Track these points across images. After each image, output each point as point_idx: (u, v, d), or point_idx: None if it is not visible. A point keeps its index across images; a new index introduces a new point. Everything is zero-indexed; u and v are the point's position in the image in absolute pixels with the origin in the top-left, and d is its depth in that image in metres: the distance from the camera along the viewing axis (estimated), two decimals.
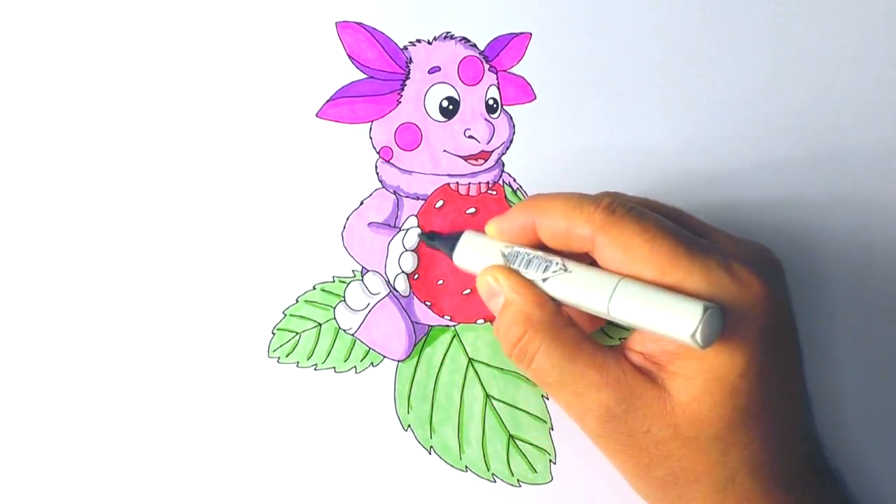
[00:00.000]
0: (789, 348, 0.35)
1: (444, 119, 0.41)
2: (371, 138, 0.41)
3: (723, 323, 0.31)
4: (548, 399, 0.40)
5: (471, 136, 0.41)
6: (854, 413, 0.41)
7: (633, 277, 0.33)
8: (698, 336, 0.31)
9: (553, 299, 0.35)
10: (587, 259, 0.35)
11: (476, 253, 0.38)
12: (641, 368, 0.34)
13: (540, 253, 0.36)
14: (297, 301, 0.40)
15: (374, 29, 0.41)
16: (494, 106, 0.41)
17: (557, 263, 0.35)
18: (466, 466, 0.40)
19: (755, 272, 0.33)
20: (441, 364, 0.41)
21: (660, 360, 0.34)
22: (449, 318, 0.41)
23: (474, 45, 0.41)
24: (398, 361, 0.40)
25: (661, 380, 0.34)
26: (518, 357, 0.35)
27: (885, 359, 0.41)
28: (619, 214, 0.34)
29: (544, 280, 0.35)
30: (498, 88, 0.41)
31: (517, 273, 0.36)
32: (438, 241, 0.40)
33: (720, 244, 0.35)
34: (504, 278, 0.36)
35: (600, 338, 0.41)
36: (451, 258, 0.38)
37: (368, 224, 0.41)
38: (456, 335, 0.41)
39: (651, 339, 0.34)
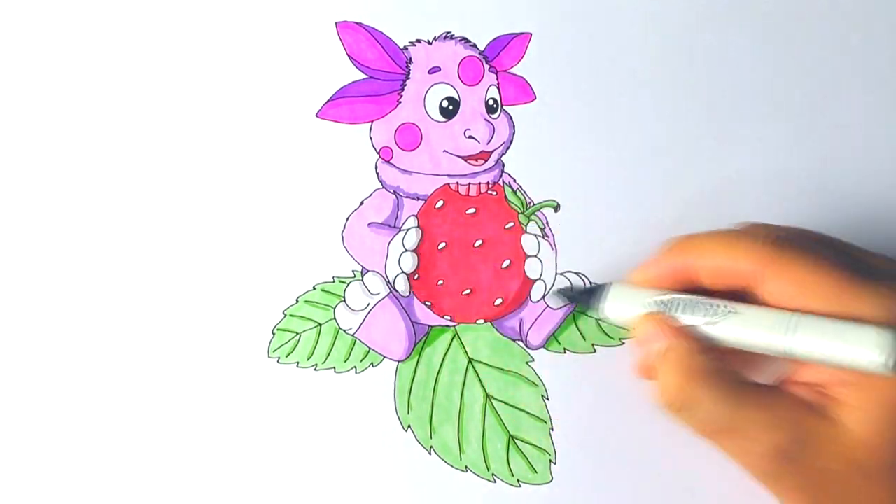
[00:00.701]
0: None
1: (444, 119, 0.41)
2: (371, 138, 0.41)
3: None
4: (548, 399, 0.41)
5: (471, 137, 0.41)
6: None
7: (805, 311, 0.33)
8: (891, 363, 0.31)
9: (714, 343, 0.35)
10: (742, 299, 0.35)
11: (627, 304, 0.37)
12: (809, 403, 0.33)
13: (699, 298, 0.35)
14: (297, 301, 0.40)
15: (374, 29, 0.41)
16: (494, 106, 0.41)
17: (724, 306, 0.35)
18: (466, 466, 0.40)
19: None
20: (441, 364, 0.41)
21: (830, 391, 0.33)
22: (449, 318, 0.41)
23: (474, 46, 0.41)
24: (398, 361, 0.40)
25: (834, 413, 0.33)
26: (679, 407, 0.35)
27: None
28: (785, 247, 0.34)
29: (714, 324, 0.34)
30: (498, 88, 0.41)
31: (677, 320, 0.35)
32: (583, 295, 0.39)
33: (881, 268, 0.34)
34: (665, 325, 0.35)
35: (600, 337, 0.41)
36: (600, 311, 0.38)
37: (368, 224, 0.41)
38: (456, 335, 0.41)
39: (819, 370, 0.34)
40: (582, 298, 0.39)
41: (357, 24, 0.41)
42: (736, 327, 0.34)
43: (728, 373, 0.34)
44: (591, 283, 0.40)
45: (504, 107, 0.42)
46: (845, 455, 0.32)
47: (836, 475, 0.33)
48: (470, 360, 0.41)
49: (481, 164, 0.41)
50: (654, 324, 0.35)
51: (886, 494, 0.33)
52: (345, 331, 0.40)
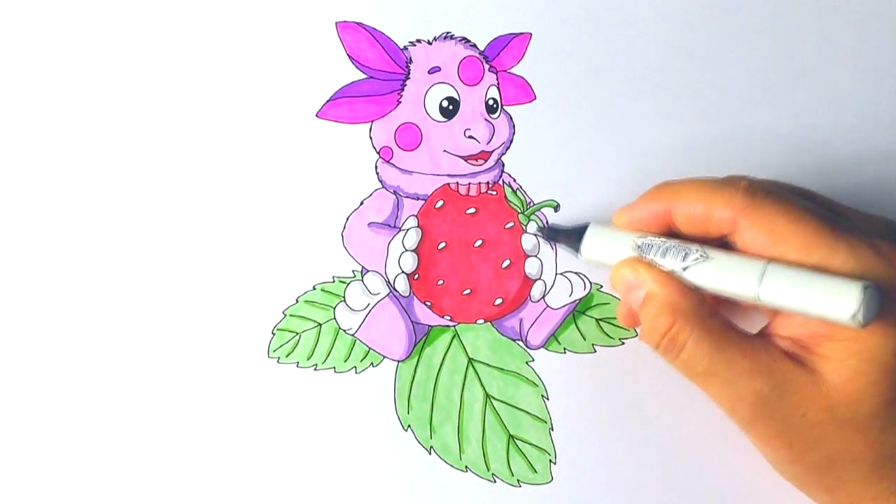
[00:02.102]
0: None
1: (444, 119, 0.41)
2: (371, 138, 0.41)
3: (880, 301, 0.31)
4: (548, 399, 0.41)
5: (471, 137, 0.41)
6: None
7: (777, 260, 0.33)
8: (860, 316, 0.31)
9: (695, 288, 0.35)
10: (720, 244, 0.35)
11: (605, 245, 0.37)
12: (789, 353, 0.34)
13: (676, 241, 0.35)
14: (297, 301, 0.40)
15: (374, 29, 0.41)
16: (494, 106, 0.41)
17: (697, 251, 0.35)
18: (466, 466, 0.40)
19: None
20: (441, 364, 0.41)
21: (808, 343, 0.34)
22: (449, 318, 0.41)
23: (474, 46, 0.41)
24: (398, 361, 0.40)
25: (812, 363, 0.33)
26: (666, 348, 0.35)
27: None
28: (761, 196, 0.34)
29: (685, 269, 0.35)
30: (498, 88, 0.41)
31: (656, 265, 0.35)
32: (561, 234, 0.39)
33: (858, 222, 0.35)
34: (645, 270, 0.35)
35: (600, 337, 0.41)
36: (578, 252, 0.38)
37: (368, 224, 0.41)
38: (456, 335, 0.41)
39: (797, 323, 0.34)
40: (560, 237, 0.39)
41: (357, 24, 0.41)
42: (708, 272, 0.34)
43: (713, 317, 0.35)
44: (571, 227, 0.39)
45: (504, 107, 0.42)
46: (822, 404, 0.33)
47: (813, 423, 0.33)
48: (470, 360, 0.41)
49: (481, 164, 0.41)
50: (633, 268, 0.36)
51: (862, 442, 0.33)
52: (345, 331, 0.40)
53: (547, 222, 0.41)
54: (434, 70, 0.41)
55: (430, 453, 0.40)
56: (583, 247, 0.38)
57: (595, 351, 0.41)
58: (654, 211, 0.36)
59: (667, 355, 0.35)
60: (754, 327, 0.37)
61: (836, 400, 0.33)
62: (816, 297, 0.32)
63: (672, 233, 0.36)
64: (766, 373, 0.33)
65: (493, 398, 0.41)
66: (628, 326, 0.39)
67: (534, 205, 0.41)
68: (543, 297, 0.41)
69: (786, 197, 0.34)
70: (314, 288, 0.40)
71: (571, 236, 0.38)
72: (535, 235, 0.40)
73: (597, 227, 0.38)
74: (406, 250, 0.41)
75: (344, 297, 0.41)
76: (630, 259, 0.36)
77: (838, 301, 0.31)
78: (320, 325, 0.40)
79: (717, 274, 0.34)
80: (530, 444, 0.40)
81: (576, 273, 0.41)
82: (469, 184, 0.41)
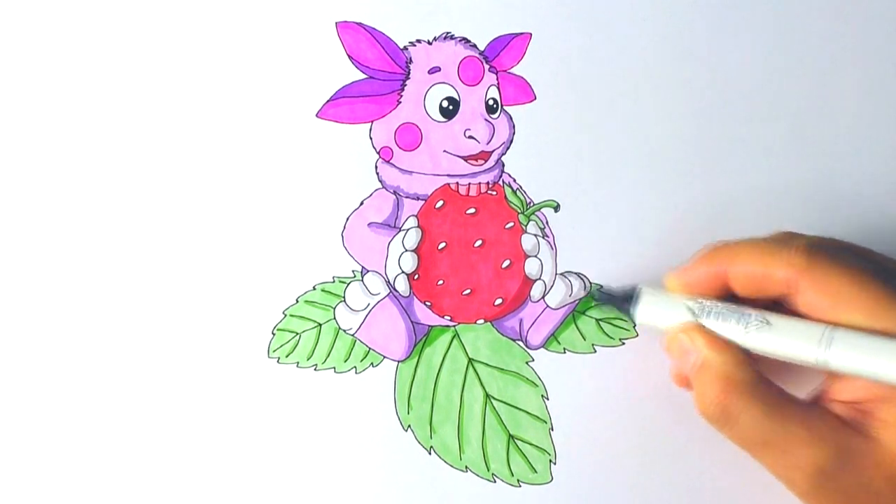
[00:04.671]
0: None
1: (444, 119, 0.41)
2: (371, 138, 0.41)
3: None
4: (548, 399, 0.41)
5: (471, 137, 0.41)
6: None
7: (841, 325, 0.33)
8: None
9: (750, 354, 0.34)
10: (775, 309, 0.35)
11: (661, 310, 0.37)
12: (846, 419, 0.33)
13: (733, 306, 0.35)
14: (297, 301, 0.40)
15: (374, 29, 0.41)
16: (494, 106, 0.41)
17: (756, 317, 0.34)
18: (466, 466, 0.40)
19: None
20: (441, 364, 0.41)
21: (868, 407, 0.33)
22: (449, 318, 0.41)
23: (474, 46, 0.41)
24: (398, 361, 0.40)
25: (871, 429, 0.33)
26: (718, 418, 0.34)
27: None
28: (821, 257, 0.33)
29: (745, 335, 0.34)
30: (498, 88, 0.41)
31: (712, 332, 0.35)
32: (615, 299, 0.38)
33: None
34: (700, 337, 0.35)
35: (600, 337, 0.41)
36: (632, 316, 0.37)
37: (368, 224, 0.41)
38: (456, 335, 0.41)
39: (856, 387, 0.33)
40: (615, 302, 0.39)
41: (357, 24, 0.41)
42: (769, 338, 0.34)
43: (767, 386, 0.34)
44: (623, 291, 0.39)
45: (504, 107, 0.42)
46: (884, 472, 0.32)
47: (875, 492, 0.32)
48: (470, 360, 0.41)
49: (481, 164, 0.41)
50: (689, 335, 0.35)
51: None
52: (345, 331, 0.40)
53: (599, 288, 0.40)
54: (434, 70, 0.41)
55: (430, 453, 0.40)
56: (638, 313, 0.37)
57: (595, 351, 0.41)
58: (710, 273, 0.36)
59: (720, 426, 0.35)
60: (805, 390, 0.36)
61: None
62: (885, 362, 0.31)
63: (726, 296, 0.36)
64: (823, 442, 0.33)
65: (493, 398, 0.41)
66: (681, 387, 0.38)
67: (534, 205, 0.41)
68: (543, 297, 0.41)
69: (846, 258, 0.33)
70: (314, 288, 0.40)
71: (624, 301, 0.38)
72: (597, 296, 0.40)
73: (650, 291, 0.37)
74: (406, 250, 0.41)
75: (344, 297, 0.41)
76: (688, 325, 0.35)
77: None
78: (320, 325, 0.40)
79: (779, 340, 0.34)
80: (530, 444, 0.40)
81: (576, 273, 0.41)
82: (469, 184, 0.41)
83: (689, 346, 0.35)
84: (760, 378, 0.34)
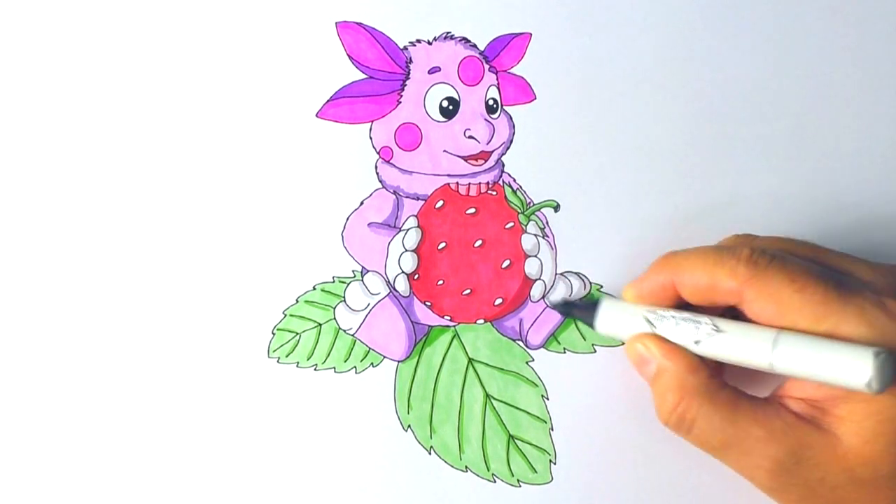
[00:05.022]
0: None
1: (444, 119, 0.41)
2: (371, 138, 0.41)
3: (894, 366, 0.31)
4: (548, 399, 0.41)
5: (471, 137, 0.41)
6: None
7: (787, 329, 0.33)
8: (874, 383, 0.31)
9: (705, 358, 0.35)
10: (730, 313, 0.35)
11: (619, 319, 0.37)
12: (804, 415, 0.34)
13: (686, 314, 0.36)
14: (297, 301, 0.40)
15: (374, 29, 0.41)
16: (494, 106, 0.41)
17: (707, 324, 0.35)
18: (466, 466, 0.40)
19: None
20: (441, 364, 0.41)
21: (823, 404, 0.33)
22: (449, 318, 0.41)
23: (474, 46, 0.41)
24: (398, 361, 0.40)
25: (828, 424, 0.33)
26: (676, 425, 0.35)
27: None
28: (763, 265, 0.34)
29: (697, 343, 0.35)
30: (498, 88, 0.41)
31: (667, 340, 0.36)
32: (576, 309, 0.39)
33: (865, 278, 0.34)
34: (655, 346, 0.35)
35: (600, 337, 0.41)
36: (593, 327, 0.38)
37: (368, 224, 0.41)
38: (456, 335, 0.41)
39: (812, 385, 0.34)
40: (575, 313, 0.39)
41: (357, 24, 0.41)
42: (718, 345, 0.35)
43: (722, 389, 0.35)
44: (583, 296, 0.40)
45: (504, 107, 0.42)
46: (841, 466, 0.33)
47: (833, 485, 0.33)
48: (470, 360, 0.41)
49: (481, 164, 0.41)
50: (645, 343, 0.36)
51: (882, 498, 0.33)
52: (345, 331, 0.40)
53: (563, 299, 0.41)
54: (434, 70, 0.41)
55: (430, 453, 0.40)
56: (597, 322, 0.38)
57: (595, 351, 0.41)
58: (661, 283, 0.36)
59: (678, 431, 0.35)
60: (768, 388, 0.37)
61: (855, 461, 0.32)
62: (830, 366, 0.32)
63: (681, 304, 0.36)
64: (781, 439, 0.33)
65: (493, 398, 0.41)
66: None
67: (534, 205, 0.41)
68: (543, 297, 0.41)
69: (791, 263, 0.34)
70: (314, 288, 0.40)
71: (586, 311, 0.38)
72: (559, 308, 0.40)
73: (610, 301, 0.38)
74: (406, 250, 0.41)
75: (344, 297, 0.41)
76: (642, 334, 0.36)
77: (852, 369, 0.31)
78: (320, 325, 0.40)
79: (729, 347, 0.34)
80: (530, 444, 0.40)
81: (576, 273, 0.41)
82: (469, 184, 0.41)
83: (645, 354, 0.36)
84: (715, 382, 0.35)
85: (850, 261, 0.36)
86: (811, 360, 0.32)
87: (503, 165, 0.41)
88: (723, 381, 0.35)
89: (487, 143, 0.41)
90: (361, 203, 0.41)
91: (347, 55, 0.41)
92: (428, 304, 0.41)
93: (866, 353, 0.31)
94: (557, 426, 0.40)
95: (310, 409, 0.40)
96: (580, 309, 0.39)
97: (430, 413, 0.40)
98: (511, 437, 0.40)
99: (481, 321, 0.41)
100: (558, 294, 0.41)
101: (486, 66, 0.41)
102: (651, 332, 0.36)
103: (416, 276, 0.41)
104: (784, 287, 0.33)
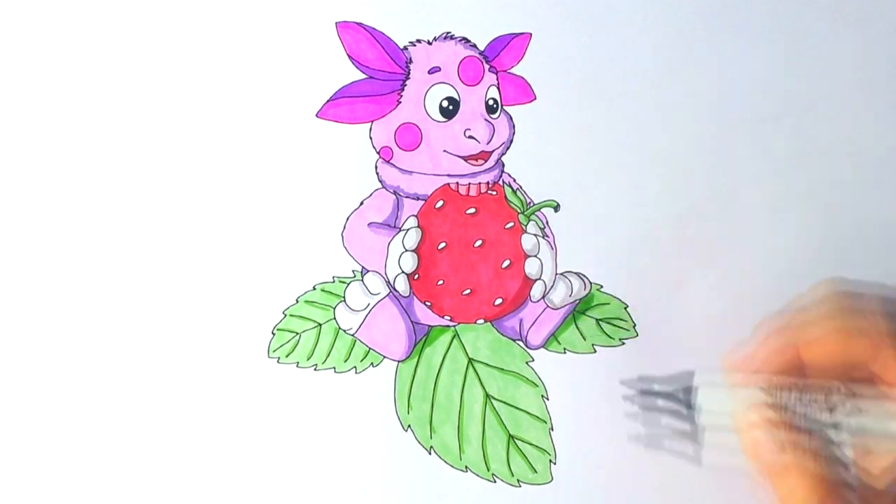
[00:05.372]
0: None
1: (444, 119, 0.41)
2: (371, 138, 0.41)
3: None
4: (548, 399, 0.40)
5: (471, 137, 0.41)
6: None
7: None
8: None
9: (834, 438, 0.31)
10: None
11: (724, 398, 0.32)
12: None
13: (815, 382, 0.31)
14: (298, 301, 0.40)
15: (374, 29, 0.41)
16: (494, 106, 0.41)
17: (845, 399, 0.30)
18: (466, 466, 0.40)
19: None
20: (441, 364, 0.41)
21: None
22: (449, 318, 0.41)
23: (474, 46, 0.41)
24: (398, 361, 0.40)
25: None
26: None
27: None
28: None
29: (835, 425, 0.30)
30: (498, 88, 0.41)
31: (791, 415, 0.31)
32: (661, 396, 0.34)
33: None
34: (784, 434, 0.31)
35: (600, 337, 0.41)
36: (692, 413, 0.33)
37: (368, 224, 0.41)
38: (456, 335, 0.41)
39: None
40: (661, 399, 0.34)
41: (357, 24, 0.41)
42: (860, 422, 0.31)
43: (848, 490, 0.31)
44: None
45: (504, 107, 0.42)
46: None
47: None
48: (470, 360, 0.41)
49: (481, 164, 0.41)
50: (770, 432, 0.31)
51: None
52: (345, 331, 0.40)
53: (653, 387, 0.36)
54: (434, 70, 0.41)
55: (430, 453, 0.40)
56: (699, 402, 0.33)
57: (595, 351, 0.41)
58: (782, 352, 0.32)
59: None
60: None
61: None
62: None
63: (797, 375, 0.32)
64: None
65: (493, 398, 0.41)
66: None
67: (534, 205, 0.41)
68: (543, 297, 0.41)
69: None
70: (314, 288, 0.40)
71: (677, 395, 0.33)
72: (641, 396, 0.34)
73: (705, 377, 0.33)
74: (406, 250, 0.41)
75: (344, 297, 0.41)
76: (765, 420, 0.31)
77: None
78: (320, 325, 0.40)
79: (873, 423, 0.30)
80: (530, 444, 0.40)
81: (576, 273, 0.41)
82: (469, 184, 0.41)
83: (770, 443, 0.31)
84: (849, 495, 0.31)
85: None
86: None
87: (503, 165, 0.41)
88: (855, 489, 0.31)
89: (487, 143, 0.41)
90: (361, 203, 0.41)
91: (347, 55, 0.41)
92: (428, 304, 0.41)
93: None
94: (557, 426, 0.40)
95: (310, 408, 0.40)
96: (666, 396, 0.33)
97: (430, 413, 0.40)
98: (511, 437, 0.40)
99: (481, 321, 0.41)
100: (558, 294, 0.41)
101: (486, 66, 0.41)
102: (772, 411, 0.31)
103: (416, 276, 0.41)
104: None
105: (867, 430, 0.30)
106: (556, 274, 0.41)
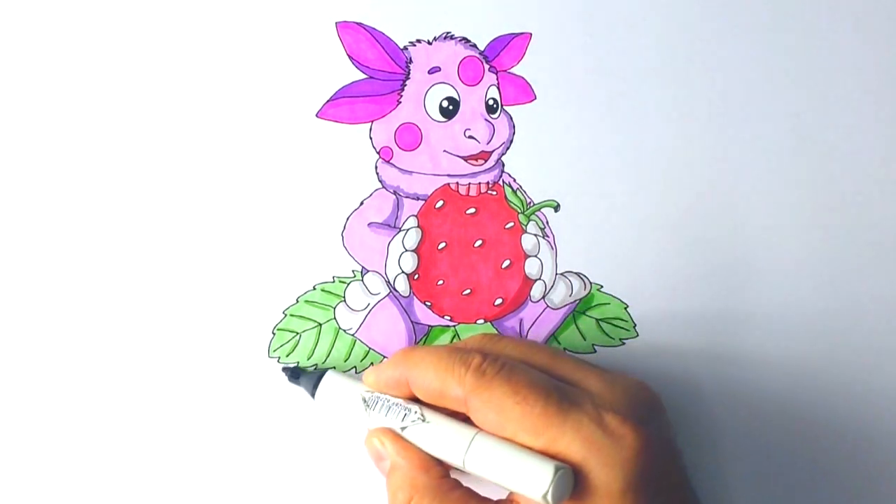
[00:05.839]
0: (668, 489, 0.34)
1: (444, 119, 0.41)
2: (371, 138, 0.41)
3: (572, 483, 0.32)
4: None
5: (471, 137, 0.41)
6: None
7: (501, 437, 0.34)
8: (549, 497, 0.32)
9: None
10: (463, 417, 0.35)
11: (337, 395, 0.38)
12: None
13: (400, 400, 0.36)
14: (298, 301, 0.40)
15: (374, 29, 0.41)
16: (494, 106, 0.41)
17: (416, 412, 0.36)
18: None
19: (629, 420, 0.33)
20: None
21: None
22: (449, 318, 0.41)
23: (474, 46, 0.41)
24: None
25: None
26: None
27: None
28: (490, 376, 0.34)
29: (402, 429, 0.36)
30: (498, 88, 0.41)
31: (403, 438, 0.36)
32: (302, 378, 0.39)
33: (594, 391, 0.35)
34: (390, 442, 0.36)
35: (600, 337, 0.41)
36: (312, 397, 0.38)
37: (368, 224, 0.41)
38: (456, 335, 0.41)
39: None
40: (301, 381, 0.39)
41: (357, 24, 0.41)
42: (421, 434, 0.35)
43: (454, 489, 0.35)
44: (313, 371, 0.40)
45: (504, 107, 0.42)
46: None
47: None
48: None
49: (481, 164, 0.41)
50: (381, 438, 0.36)
51: None
52: (345, 331, 0.40)
53: (294, 365, 0.40)
54: (434, 70, 0.41)
55: None
56: (317, 394, 0.38)
57: (595, 351, 0.41)
58: (396, 378, 0.36)
59: None
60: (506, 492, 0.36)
61: None
62: (514, 474, 0.33)
63: (414, 398, 0.36)
64: None
65: None
66: None
67: (534, 205, 0.41)
68: (543, 297, 0.41)
69: (518, 373, 0.34)
70: (314, 288, 0.40)
71: (309, 380, 0.39)
72: (284, 372, 0.40)
73: (334, 375, 0.38)
74: (406, 250, 0.41)
75: (344, 297, 0.41)
76: (381, 429, 0.36)
77: (532, 480, 0.32)
78: (320, 324, 0.40)
79: (430, 438, 0.35)
80: None
81: (576, 273, 0.41)
82: (469, 184, 0.41)
83: (381, 450, 0.36)
84: (447, 482, 0.35)
85: (585, 371, 0.36)
86: (498, 465, 0.33)
87: (503, 165, 0.41)
88: (456, 481, 0.35)
89: (487, 143, 0.41)
90: (361, 203, 0.41)
91: (347, 55, 0.41)
92: (428, 304, 0.41)
93: (548, 466, 0.32)
94: None
95: (310, 408, 0.40)
96: (306, 378, 0.39)
97: None
98: None
99: (481, 321, 0.41)
100: (558, 294, 0.41)
101: (486, 66, 0.41)
102: (367, 413, 0.37)
103: (416, 276, 0.41)
104: (507, 398, 0.34)
105: (425, 440, 0.35)
106: (556, 274, 0.41)
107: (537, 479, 0.32)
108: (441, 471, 0.35)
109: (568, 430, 0.33)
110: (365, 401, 0.37)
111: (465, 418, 0.35)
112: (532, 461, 0.33)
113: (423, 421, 0.36)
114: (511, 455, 0.33)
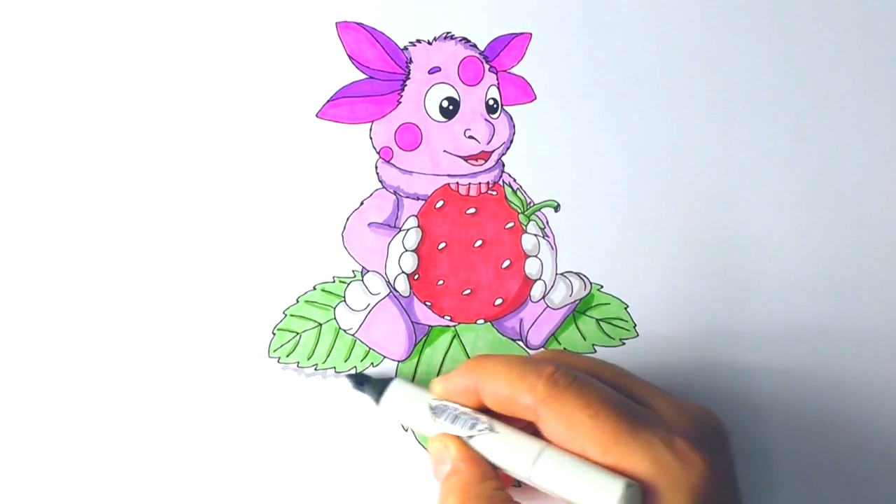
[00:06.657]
0: None
1: (444, 119, 0.41)
2: (371, 138, 0.41)
3: (640, 501, 0.32)
4: None
5: (471, 137, 0.41)
6: None
7: (579, 456, 0.33)
8: None
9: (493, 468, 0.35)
10: (532, 429, 0.35)
11: (404, 403, 0.38)
12: None
13: (468, 410, 0.36)
14: (298, 301, 0.40)
15: (374, 29, 0.41)
16: (494, 106, 0.41)
17: (484, 423, 0.35)
18: None
19: (697, 447, 0.33)
20: (441, 364, 0.41)
21: None
22: (449, 318, 0.41)
23: (474, 46, 0.41)
24: (398, 361, 0.40)
25: None
26: None
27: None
28: (562, 386, 0.34)
29: (469, 438, 0.35)
30: (498, 88, 0.41)
31: (468, 446, 0.35)
32: (366, 386, 0.39)
33: (664, 414, 0.35)
34: (455, 447, 0.36)
35: (600, 337, 0.41)
36: (377, 404, 0.38)
37: (368, 224, 0.41)
38: (456, 335, 0.41)
39: None
40: (368, 388, 0.39)
41: (357, 24, 0.41)
42: (488, 444, 0.35)
43: (504, 502, 0.34)
44: (377, 378, 0.39)
45: (504, 107, 0.42)
46: None
47: None
48: None
49: (481, 164, 0.41)
50: (445, 442, 0.36)
51: None
52: (345, 331, 0.40)
53: (359, 371, 0.40)
54: (434, 70, 0.41)
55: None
56: (382, 401, 0.38)
57: (595, 351, 0.41)
58: (465, 386, 0.36)
59: None
60: None
61: None
62: (582, 488, 0.32)
63: (485, 409, 0.36)
64: None
65: None
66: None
67: (534, 205, 0.41)
68: (543, 297, 0.41)
69: (590, 387, 0.34)
70: (314, 288, 0.40)
71: (375, 388, 0.38)
72: (347, 379, 0.40)
73: (400, 383, 0.38)
74: (406, 250, 0.41)
75: (344, 297, 0.41)
76: (447, 434, 0.36)
77: (601, 495, 0.32)
78: (321, 325, 0.40)
79: (497, 448, 0.35)
80: None
81: (576, 273, 0.41)
82: (469, 184, 0.41)
83: (444, 453, 0.36)
84: (500, 495, 0.34)
85: (653, 393, 0.36)
86: (566, 479, 0.33)
87: (503, 165, 0.41)
88: (508, 494, 0.35)
89: (487, 143, 0.41)
90: (361, 203, 0.41)
91: (347, 55, 0.41)
92: (428, 304, 0.41)
93: (618, 482, 0.32)
94: None
95: (310, 408, 0.40)
96: (371, 385, 0.39)
97: None
98: None
99: (481, 321, 0.41)
100: (558, 294, 0.41)
101: (487, 66, 0.41)
102: (433, 420, 0.36)
103: (416, 276, 0.41)
104: (578, 411, 0.33)
105: (491, 451, 0.35)
106: (556, 274, 0.41)
107: (607, 494, 0.32)
108: (497, 483, 0.35)
109: (638, 449, 0.33)
110: (432, 409, 0.37)
111: (531, 433, 0.35)
112: (602, 477, 0.32)
113: (492, 431, 0.35)
114: (580, 469, 0.33)
